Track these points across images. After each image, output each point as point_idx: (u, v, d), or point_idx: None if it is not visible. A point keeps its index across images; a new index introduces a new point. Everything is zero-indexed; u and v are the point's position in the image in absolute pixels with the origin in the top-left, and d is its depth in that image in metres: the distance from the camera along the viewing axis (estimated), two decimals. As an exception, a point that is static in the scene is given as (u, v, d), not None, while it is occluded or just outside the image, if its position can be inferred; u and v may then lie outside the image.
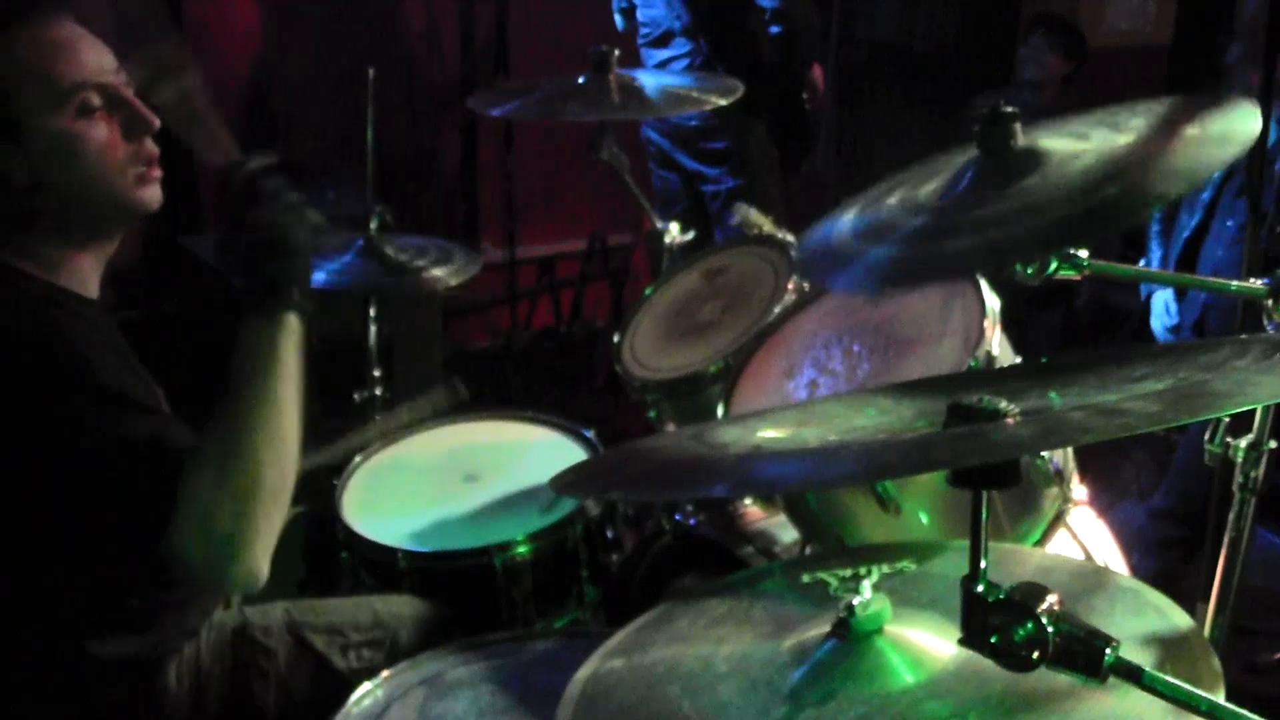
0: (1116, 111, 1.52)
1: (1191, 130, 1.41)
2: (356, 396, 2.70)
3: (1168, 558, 3.13)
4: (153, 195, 1.63)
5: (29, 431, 1.49)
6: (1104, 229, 1.46)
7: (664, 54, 4.00)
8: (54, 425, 1.48)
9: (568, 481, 1.27)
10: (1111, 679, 0.93)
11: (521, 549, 2.04)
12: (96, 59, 1.58)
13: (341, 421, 2.37)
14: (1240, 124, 1.38)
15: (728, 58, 3.88)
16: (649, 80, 2.67)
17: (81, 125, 1.56)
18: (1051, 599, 0.94)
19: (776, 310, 2.09)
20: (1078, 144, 1.45)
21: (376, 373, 2.70)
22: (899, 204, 1.52)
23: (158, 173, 1.63)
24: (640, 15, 4.02)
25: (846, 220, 1.56)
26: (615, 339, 2.33)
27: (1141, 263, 3.34)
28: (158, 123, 1.60)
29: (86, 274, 1.64)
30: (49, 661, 1.64)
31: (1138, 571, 2.86)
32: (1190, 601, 1.54)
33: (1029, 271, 1.62)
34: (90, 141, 1.56)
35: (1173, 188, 1.35)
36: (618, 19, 4.09)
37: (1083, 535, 1.99)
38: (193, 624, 1.78)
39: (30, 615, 1.62)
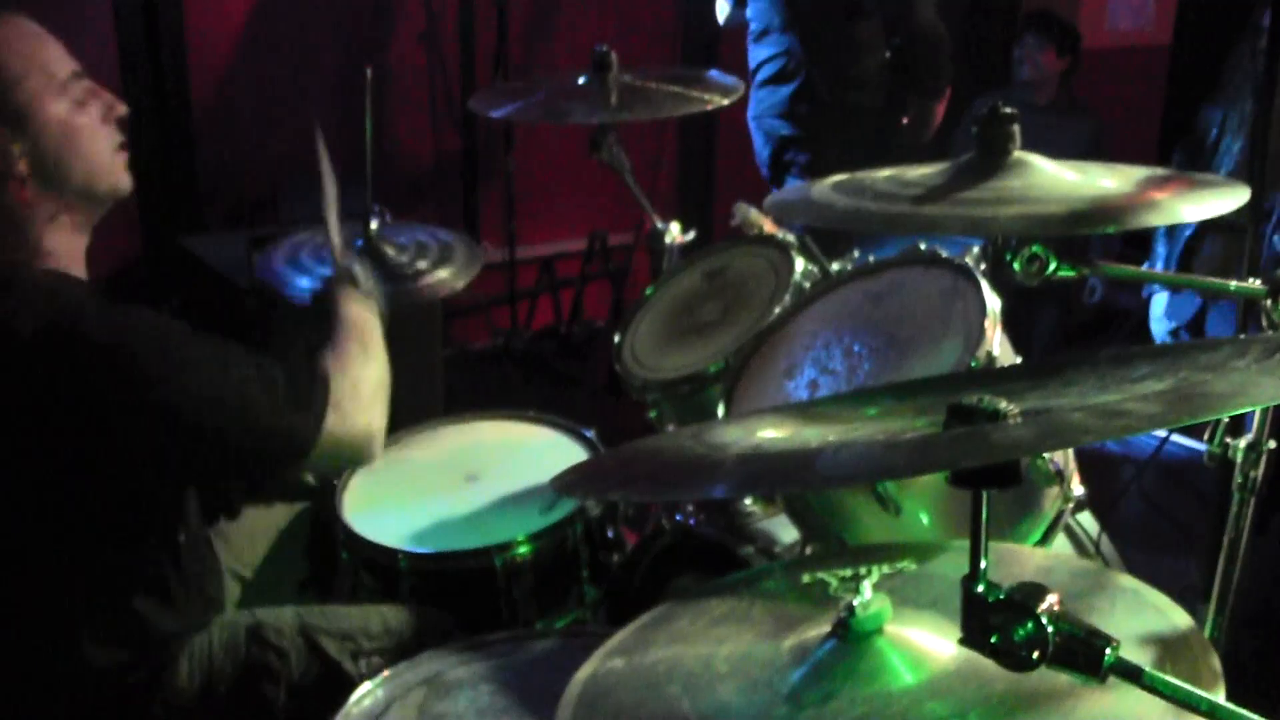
0: (1122, 167, 1.66)
1: (1169, 194, 1.56)
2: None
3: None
4: (128, 178, 1.71)
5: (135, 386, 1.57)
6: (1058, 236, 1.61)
7: (760, 53, 3.64)
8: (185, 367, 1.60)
9: (568, 481, 1.27)
10: (1111, 679, 0.93)
11: (522, 549, 2.04)
12: (65, 53, 1.65)
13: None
14: (1219, 202, 1.50)
15: (823, 65, 3.49)
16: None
17: (77, 113, 1.62)
18: (1051, 599, 0.95)
19: (776, 310, 2.09)
20: (1068, 170, 1.60)
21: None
22: (887, 179, 1.67)
23: (125, 155, 1.71)
24: (749, 10, 3.70)
25: (829, 181, 1.72)
26: (615, 339, 2.32)
27: (1145, 265, 3.32)
28: (125, 108, 1.69)
29: (81, 260, 1.68)
30: (60, 655, 1.65)
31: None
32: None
33: (1032, 269, 1.62)
34: (85, 129, 1.63)
35: (1112, 225, 1.52)
36: (721, 7, 3.69)
37: (1082, 535, 1.99)
38: (198, 616, 1.80)
39: (40, 609, 1.63)
